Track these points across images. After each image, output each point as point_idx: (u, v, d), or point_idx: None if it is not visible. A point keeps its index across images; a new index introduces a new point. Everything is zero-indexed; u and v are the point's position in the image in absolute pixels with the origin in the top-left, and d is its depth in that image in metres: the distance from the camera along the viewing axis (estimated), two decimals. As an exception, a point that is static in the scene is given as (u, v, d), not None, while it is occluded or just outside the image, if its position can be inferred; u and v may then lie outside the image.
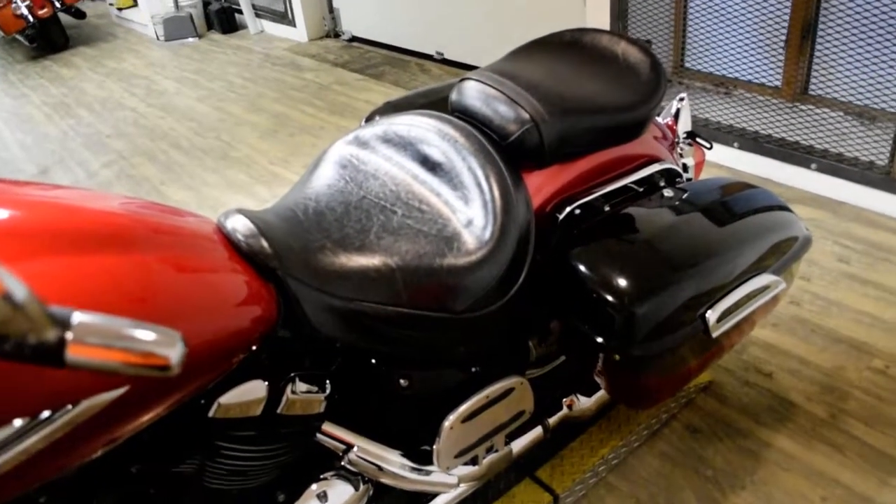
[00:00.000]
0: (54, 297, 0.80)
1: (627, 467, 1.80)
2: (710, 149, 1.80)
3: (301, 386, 1.15)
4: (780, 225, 1.54)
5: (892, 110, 2.77)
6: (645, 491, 1.74)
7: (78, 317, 0.61)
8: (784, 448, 1.83)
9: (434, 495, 1.46)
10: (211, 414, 1.06)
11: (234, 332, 1.01)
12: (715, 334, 1.37)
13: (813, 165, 2.93)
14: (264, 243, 1.08)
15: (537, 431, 1.55)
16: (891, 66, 2.76)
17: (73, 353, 0.60)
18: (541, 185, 1.39)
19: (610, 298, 1.27)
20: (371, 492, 1.33)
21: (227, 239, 1.09)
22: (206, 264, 1.03)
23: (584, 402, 1.61)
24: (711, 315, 1.35)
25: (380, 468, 1.30)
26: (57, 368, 0.62)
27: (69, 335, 0.60)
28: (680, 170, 1.65)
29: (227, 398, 1.07)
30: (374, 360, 1.24)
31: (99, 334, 0.61)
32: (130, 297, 0.87)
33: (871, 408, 1.93)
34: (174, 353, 0.63)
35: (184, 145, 4.07)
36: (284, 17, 5.96)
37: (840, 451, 1.82)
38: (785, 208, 1.59)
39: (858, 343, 2.16)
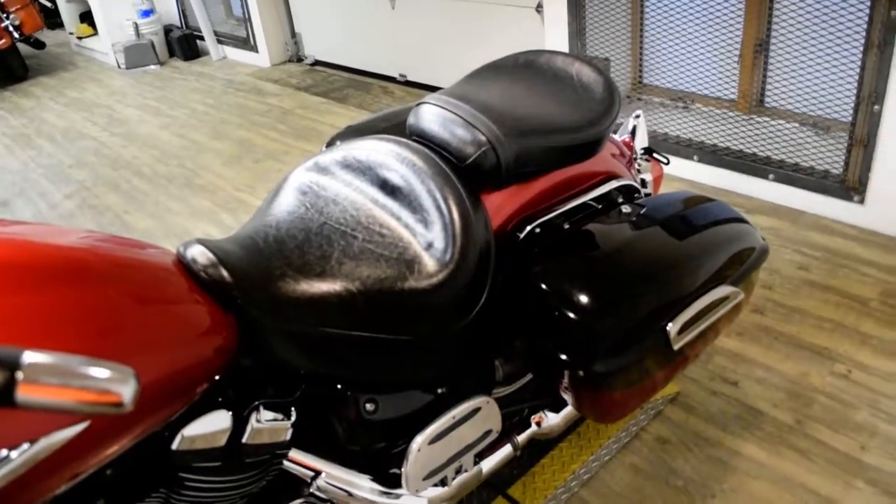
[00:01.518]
0: (7, 334, 0.79)
1: (599, 481, 1.81)
2: (667, 164, 1.84)
3: (266, 414, 1.14)
4: (738, 236, 1.57)
5: (845, 120, 2.84)
6: (616, 504, 1.75)
7: (29, 356, 0.61)
8: (752, 456, 1.86)
9: (405, 518, 1.46)
10: (175, 446, 1.05)
11: (196, 363, 1.00)
12: (676, 346, 1.39)
13: (770, 176, 2.99)
14: (224, 272, 1.07)
15: (507, 450, 1.55)
16: (841, 77, 2.83)
17: (25, 394, 0.60)
18: (500, 205, 1.41)
19: (571, 315, 1.28)
20: (341, 518, 1.33)
21: (187, 269, 1.08)
22: (165, 296, 1.02)
23: (552, 419, 1.62)
24: (672, 327, 1.37)
25: (349, 493, 1.29)
26: (9, 408, 0.61)
27: (20, 375, 0.60)
28: (638, 185, 1.68)
29: (190, 430, 1.06)
30: (338, 386, 1.24)
31: (51, 373, 0.61)
32: (88, 332, 0.87)
33: (836, 412, 1.97)
34: (127, 390, 0.63)
35: (147, 173, 4.04)
36: (246, 43, 5.96)
37: (807, 456, 1.85)
38: (741, 220, 1.63)
39: (821, 349, 2.20)
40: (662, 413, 2.01)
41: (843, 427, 1.92)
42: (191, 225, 3.40)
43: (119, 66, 6.39)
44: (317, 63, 5.69)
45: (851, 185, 2.78)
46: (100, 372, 0.63)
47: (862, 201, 2.77)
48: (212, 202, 3.60)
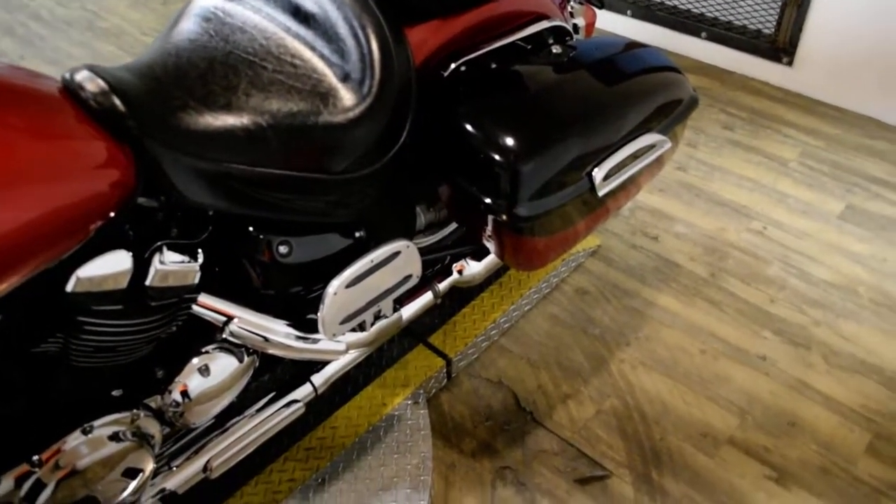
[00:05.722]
0: None
1: (518, 330, 1.84)
2: (600, 8, 1.75)
3: (170, 256, 1.07)
4: (668, 85, 1.53)
5: (781, -23, 2.78)
6: (535, 351, 1.78)
7: None
8: (667, 306, 1.91)
9: (324, 363, 1.44)
10: (70, 288, 0.98)
11: (86, 198, 0.92)
12: (601, 193, 1.37)
13: (703, 34, 2.94)
14: (116, 101, 0.97)
15: (427, 297, 1.54)
16: (780, -69, 2.75)
17: None
18: (424, 39, 1.31)
19: (496, 157, 1.23)
20: (257, 363, 1.30)
21: (74, 97, 0.98)
22: (49, 125, 0.92)
23: (473, 267, 1.60)
24: (598, 173, 1.34)
25: (265, 339, 1.26)
26: None
27: None
28: (570, 28, 1.60)
29: (85, 270, 0.98)
30: (249, 227, 1.18)
31: None
32: None
33: (748, 266, 2.03)
34: None
35: (45, 16, 3.70)
36: None
37: (718, 307, 1.91)
38: (673, 69, 1.58)
39: (739, 206, 2.24)
40: (583, 265, 2.03)
41: (755, 280, 1.98)
42: (95, 72, 3.16)
43: None
44: None
45: (781, 46, 2.76)
46: None
47: (790, 63, 2.77)
48: (117, 47, 3.34)
